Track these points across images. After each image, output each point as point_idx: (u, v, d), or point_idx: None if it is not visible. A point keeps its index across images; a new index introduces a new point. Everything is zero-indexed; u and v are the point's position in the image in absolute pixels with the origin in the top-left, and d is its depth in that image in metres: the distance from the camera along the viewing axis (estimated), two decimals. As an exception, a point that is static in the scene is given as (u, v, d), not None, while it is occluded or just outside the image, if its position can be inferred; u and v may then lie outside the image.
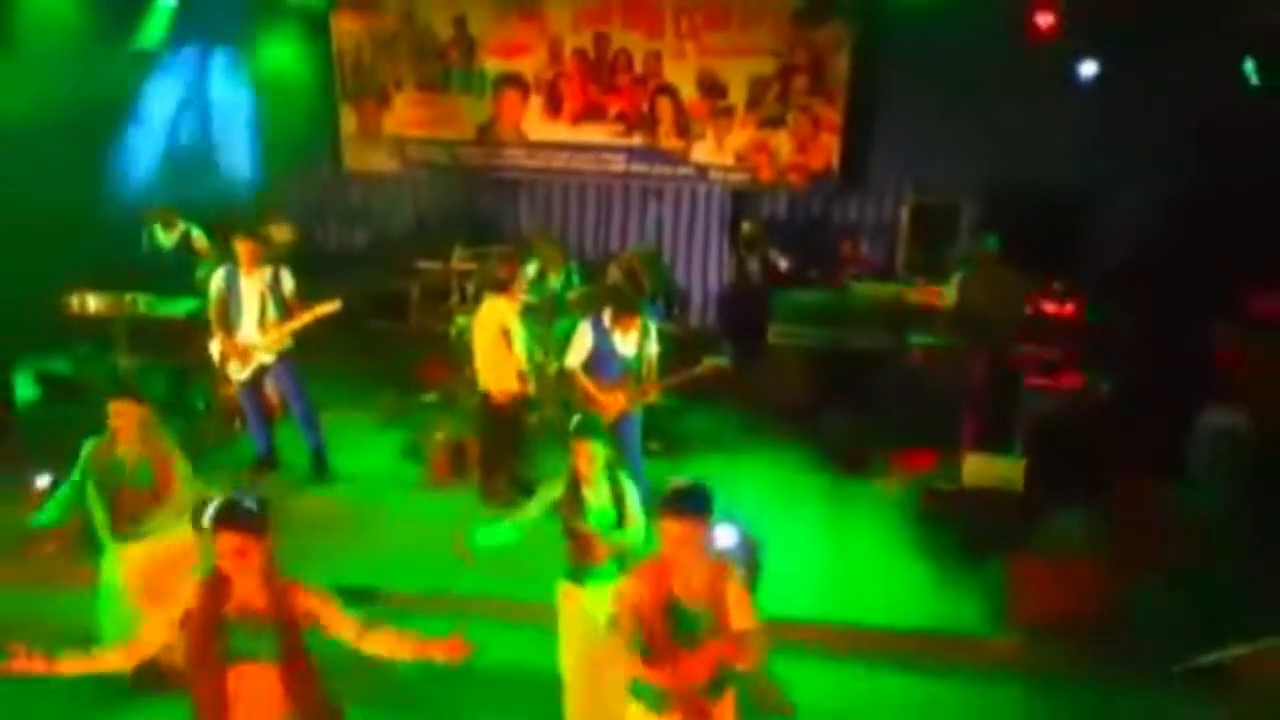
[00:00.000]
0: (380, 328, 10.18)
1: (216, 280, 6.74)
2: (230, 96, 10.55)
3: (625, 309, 6.29)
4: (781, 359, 8.55)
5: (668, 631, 3.36)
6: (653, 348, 6.42)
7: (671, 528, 3.32)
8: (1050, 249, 8.30)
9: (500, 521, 4.44)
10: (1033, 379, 7.24)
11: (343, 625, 3.34)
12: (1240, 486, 5.99)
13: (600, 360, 6.27)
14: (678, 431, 7.98)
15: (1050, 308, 8.22)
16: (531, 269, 8.04)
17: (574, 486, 4.34)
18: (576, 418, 4.54)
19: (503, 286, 6.98)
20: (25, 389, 8.36)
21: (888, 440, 7.61)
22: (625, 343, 6.29)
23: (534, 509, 4.38)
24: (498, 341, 6.83)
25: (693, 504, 3.34)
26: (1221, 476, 6.13)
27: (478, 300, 7.67)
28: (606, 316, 6.30)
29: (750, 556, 5.48)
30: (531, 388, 7.03)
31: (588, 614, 4.35)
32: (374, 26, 10.59)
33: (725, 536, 5.43)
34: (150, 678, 4.86)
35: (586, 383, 6.28)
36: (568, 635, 4.48)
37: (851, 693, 5.20)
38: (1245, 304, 6.56)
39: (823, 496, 7.17)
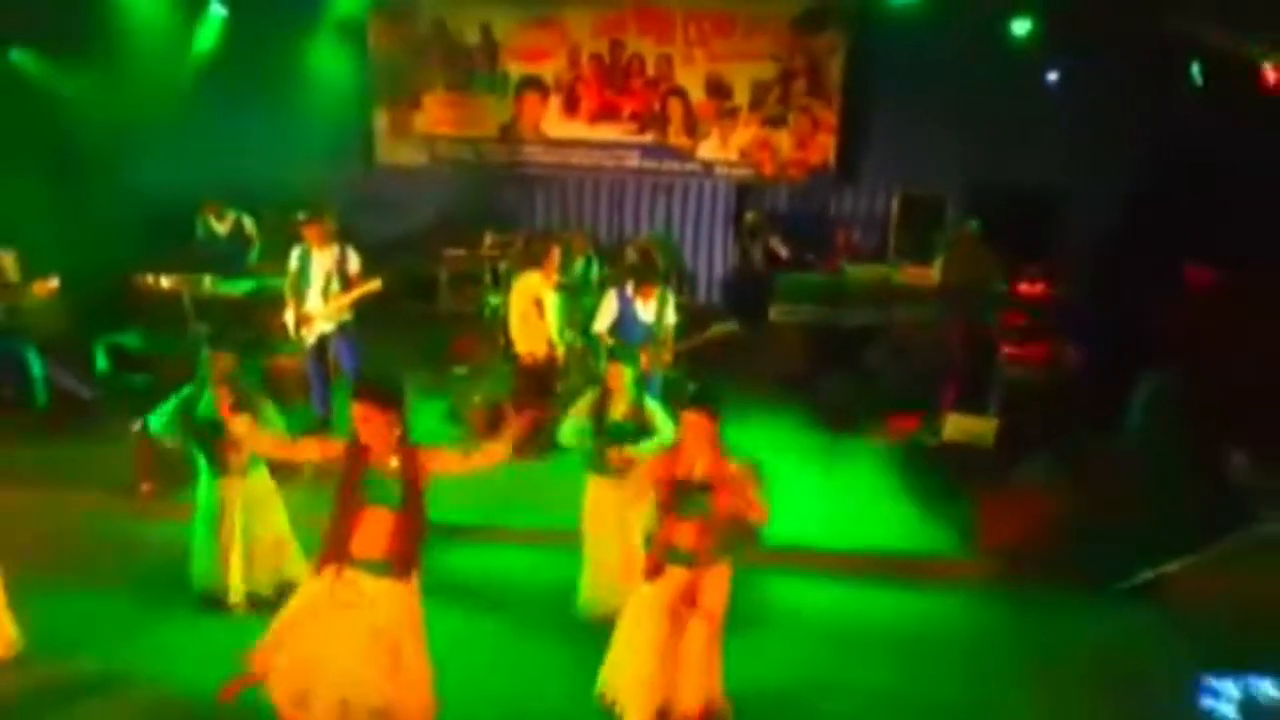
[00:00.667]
0: (413, 310, 11.04)
1: (292, 257, 7.65)
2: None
3: (646, 280, 7.20)
4: (782, 334, 9.44)
5: (671, 502, 4.39)
6: (671, 315, 7.32)
7: (687, 417, 4.39)
8: (1025, 235, 9.19)
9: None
10: (1007, 347, 8.13)
11: (452, 462, 4.29)
12: (1174, 432, 6.88)
13: (624, 325, 7.17)
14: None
15: (1025, 287, 9.12)
16: (557, 254, 8.92)
17: (603, 400, 5.34)
18: (613, 344, 5.57)
19: (536, 263, 7.91)
20: (98, 361, 9.23)
21: (877, 403, 8.50)
22: (646, 310, 7.19)
23: (582, 410, 5.46)
24: (530, 311, 7.75)
25: (704, 399, 4.40)
26: (1159, 424, 7.01)
27: (508, 281, 8.56)
28: (630, 287, 7.20)
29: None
30: (560, 353, 7.93)
31: (601, 498, 5.54)
32: (407, 35, 11.49)
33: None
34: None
35: (611, 345, 7.17)
36: (589, 511, 5.61)
37: (844, 605, 6.07)
38: (1182, 276, 7.45)
39: (819, 450, 8.05)
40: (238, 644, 4.41)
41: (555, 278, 7.99)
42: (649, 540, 4.70)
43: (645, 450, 5.30)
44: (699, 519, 4.42)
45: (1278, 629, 5.49)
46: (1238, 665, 5.37)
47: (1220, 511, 6.27)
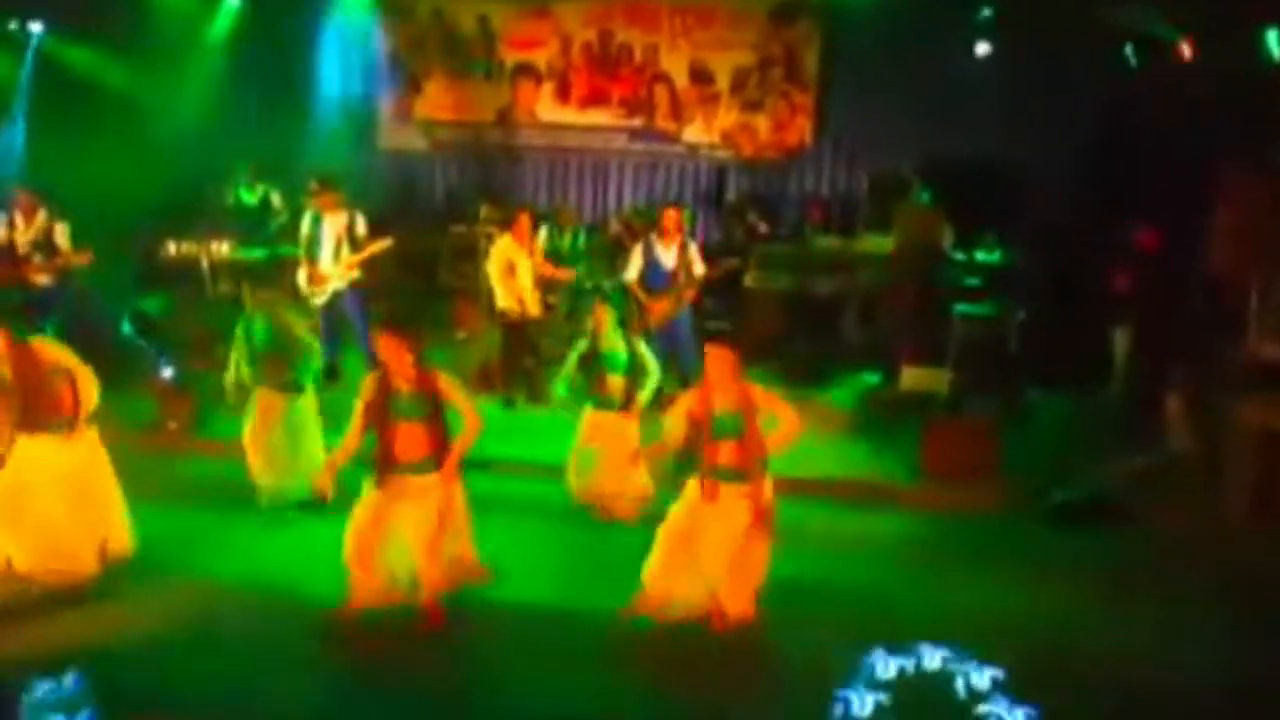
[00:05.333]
0: (413, 284, 11.72)
1: (306, 222, 8.39)
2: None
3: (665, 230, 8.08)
4: (756, 299, 10.13)
5: (709, 430, 5.01)
6: (697, 264, 8.11)
7: (710, 351, 5.02)
8: (981, 207, 9.88)
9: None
10: (960, 306, 8.84)
11: (462, 402, 5.11)
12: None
13: (650, 274, 7.98)
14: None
15: (982, 255, 9.84)
16: (526, 220, 9.27)
17: (593, 339, 6.10)
18: (600, 287, 6.41)
19: (508, 226, 8.67)
20: (123, 325, 9.92)
21: (840, 360, 9.23)
22: (668, 256, 8.00)
23: (571, 362, 6.26)
24: (504, 272, 8.45)
25: (724, 333, 5.13)
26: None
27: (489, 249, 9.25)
28: (654, 236, 8.00)
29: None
30: (536, 312, 8.56)
31: (597, 426, 6.37)
32: (408, 26, 12.20)
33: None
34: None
35: (640, 294, 7.97)
36: (586, 435, 6.47)
37: (808, 523, 6.70)
38: (1131, 238, 8.19)
39: (793, 400, 8.72)
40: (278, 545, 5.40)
41: (527, 240, 8.61)
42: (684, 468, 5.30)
43: (645, 392, 6.27)
44: (735, 440, 4.99)
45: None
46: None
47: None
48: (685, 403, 5.14)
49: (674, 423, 5.18)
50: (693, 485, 5.20)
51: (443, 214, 12.05)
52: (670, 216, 8.19)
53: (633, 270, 8.13)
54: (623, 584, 5.40)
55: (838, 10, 11.25)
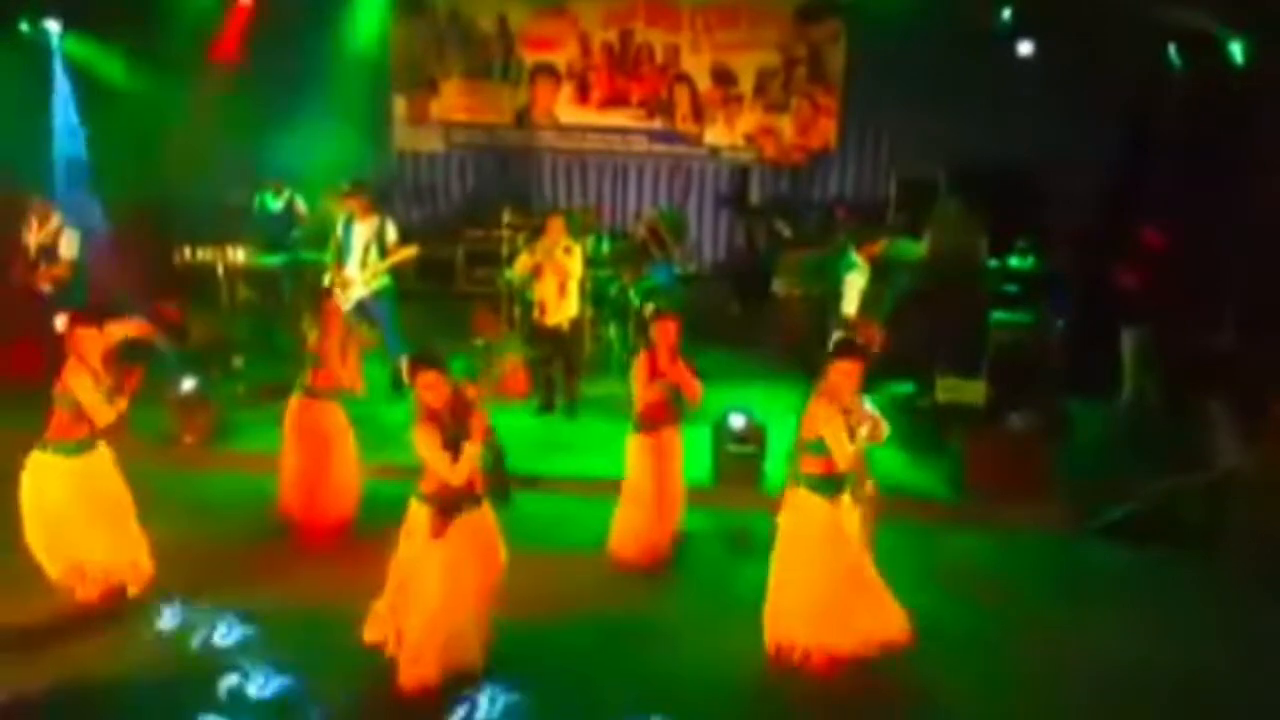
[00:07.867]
0: (429, 289, 11.49)
1: (337, 225, 8.19)
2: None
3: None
4: (784, 306, 9.91)
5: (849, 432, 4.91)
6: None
7: (840, 365, 4.93)
8: (1015, 211, 9.64)
9: None
10: (996, 314, 8.60)
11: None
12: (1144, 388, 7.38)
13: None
14: (702, 365, 9.33)
15: (1015, 259, 9.59)
16: (558, 225, 9.08)
17: (652, 357, 5.90)
18: (651, 307, 6.17)
19: (538, 232, 8.52)
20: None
21: (871, 369, 8.95)
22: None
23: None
24: (540, 278, 8.24)
25: (852, 350, 5.09)
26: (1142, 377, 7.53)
27: (521, 253, 9.04)
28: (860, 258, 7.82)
29: (758, 436, 6.92)
30: (560, 321, 8.28)
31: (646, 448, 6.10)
32: (425, 25, 11.98)
33: (737, 420, 6.97)
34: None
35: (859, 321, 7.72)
36: (632, 460, 6.17)
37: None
38: (1140, 239, 7.98)
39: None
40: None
41: (561, 244, 8.35)
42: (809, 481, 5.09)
43: None
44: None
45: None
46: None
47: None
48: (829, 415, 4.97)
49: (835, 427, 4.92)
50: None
51: (459, 218, 11.82)
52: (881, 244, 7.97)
53: (854, 301, 7.75)
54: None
55: (864, 9, 11.00)
